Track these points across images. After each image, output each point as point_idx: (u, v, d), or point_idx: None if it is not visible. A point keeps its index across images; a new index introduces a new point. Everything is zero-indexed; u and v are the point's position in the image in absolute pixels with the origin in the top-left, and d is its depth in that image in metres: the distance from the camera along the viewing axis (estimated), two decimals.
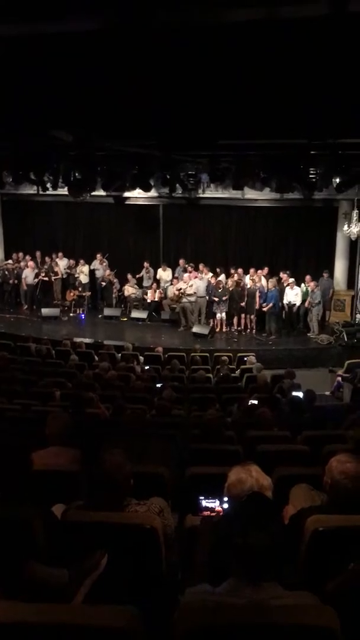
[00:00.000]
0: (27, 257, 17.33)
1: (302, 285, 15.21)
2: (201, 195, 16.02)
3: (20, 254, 17.63)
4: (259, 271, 15.62)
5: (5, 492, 2.72)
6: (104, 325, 16.13)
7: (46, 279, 16.97)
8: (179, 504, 3.63)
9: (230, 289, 15.28)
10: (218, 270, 16.16)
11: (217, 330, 15.33)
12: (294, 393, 8.19)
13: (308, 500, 3.00)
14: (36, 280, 16.86)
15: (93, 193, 13.24)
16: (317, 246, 16.62)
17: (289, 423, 5.97)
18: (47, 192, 14.40)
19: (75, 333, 14.82)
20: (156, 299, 16.48)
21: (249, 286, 15.28)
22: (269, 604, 1.75)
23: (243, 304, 15.12)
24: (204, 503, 2.54)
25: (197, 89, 5.67)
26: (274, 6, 3.94)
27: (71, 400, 6.77)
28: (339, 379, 11.23)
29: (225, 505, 2.49)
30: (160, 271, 16.88)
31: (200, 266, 16.17)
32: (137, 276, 17.02)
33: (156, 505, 2.86)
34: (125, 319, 16.41)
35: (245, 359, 11.90)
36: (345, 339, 14.12)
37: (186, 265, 16.54)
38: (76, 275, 17.00)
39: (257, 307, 15.11)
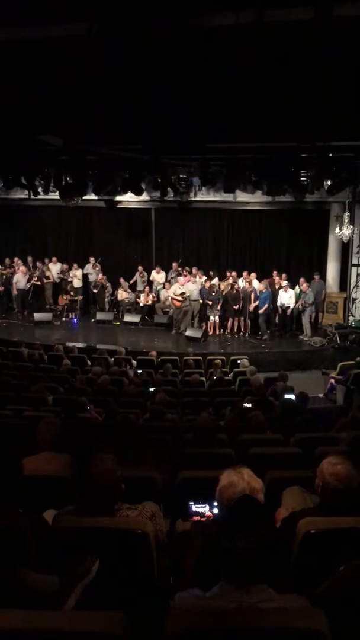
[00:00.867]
0: (19, 262, 17.29)
1: (296, 287, 15.24)
2: (193, 199, 16.07)
3: (15, 259, 17.59)
4: (252, 274, 15.64)
5: None
6: (96, 330, 16.10)
7: (38, 283, 16.94)
8: (171, 509, 3.62)
9: (224, 292, 15.29)
10: (211, 273, 16.18)
11: (210, 333, 15.33)
12: (287, 395, 8.20)
13: (300, 503, 3.00)
14: (28, 285, 16.82)
15: (84, 197, 13.25)
16: (309, 248, 16.67)
17: (282, 426, 5.98)
18: (39, 197, 14.45)
19: (68, 337, 14.79)
20: (149, 303, 16.47)
21: (242, 289, 15.30)
22: (259, 607, 1.74)
23: (237, 307, 15.13)
24: (194, 508, 2.53)
25: (185, 92, 5.69)
26: (261, 10, 3.96)
27: (63, 405, 6.75)
28: (332, 381, 11.25)
29: (215, 510, 2.48)
30: (154, 273, 16.90)
31: (194, 270, 16.19)
32: (131, 281, 17.02)
33: (148, 510, 2.85)
34: (118, 323, 16.40)
35: (239, 362, 11.91)
36: (338, 341, 14.16)
37: (179, 269, 16.56)
38: (69, 280, 16.97)
39: (251, 309, 15.12)
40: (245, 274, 15.73)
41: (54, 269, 17.34)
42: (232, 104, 5.88)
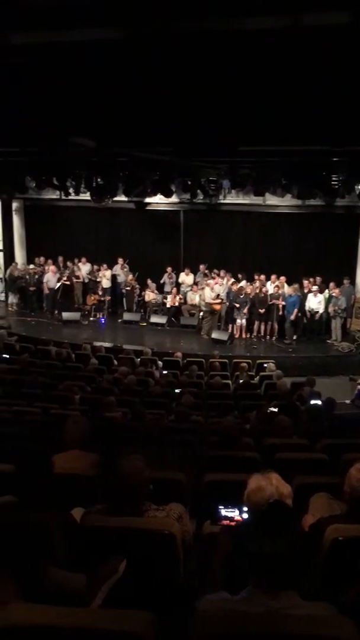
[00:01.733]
0: (49, 262, 17.49)
1: (326, 291, 15.09)
2: (222, 201, 16.03)
3: (42, 259, 17.82)
4: (281, 278, 15.54)
5: (26, 496, 2.74)
6: (123, 330, 16.18)
7: (68, 282, 17.09)
8: (197, 511, 3.62)
9: (251, 295, 15.23)
10: (239, 276, 16.12)
11: (237, 336, 15.28)
12: (314, 401, 8.14)
13: (327, 509, 2.98)
14: (58, 284, 16.99)
15: (114, 198, 13.33)
16: (339, 253, 16.48)
17: (308, 431, 5.93)
18: (70, 198, 14.60)
19: (95, 337, 14.91)
20: (176, 304, 16.50)
21: (270, 292, 15.22)
22: (287, 613, 1.74)
23: (263, 310, 15.04)
24: (224, 512, 2.53)
25: (218, 95, 5.69)
26: (297, 14, 3.94)
27: (90, 405, 6.81)
28: None
29: (245, 515, 2.48)
30: (182, 275, 16.91)
31: (222, 272, 16.16)
32: (161, 281, 17.06)
33: (175, 511, 2.86)
34: (145, 324, 16.46)
35: (265, 365, 11.85)
36: None
37: (207, 271, 16.55)
38: (98, 280, 17.09)
39: (280, 313, 15.02)
40: (273, 277, 15.62)
41: (84, 269, 17.49)
42: (265, 107, 5.87)
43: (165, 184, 11.81)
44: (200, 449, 5.34)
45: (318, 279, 15.35)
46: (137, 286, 17.08)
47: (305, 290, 15.07)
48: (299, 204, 14.96)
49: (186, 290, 16.63)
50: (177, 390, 9.04)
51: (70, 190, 13.60)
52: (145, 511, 2.77)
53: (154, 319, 16.38)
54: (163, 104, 6.03)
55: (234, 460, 4.50)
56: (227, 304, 15.37)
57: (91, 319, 16.89)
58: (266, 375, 10.95)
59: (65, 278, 17.03)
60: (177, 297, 16.52)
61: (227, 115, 6.23)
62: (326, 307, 14.88)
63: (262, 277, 15.75)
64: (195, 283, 16.55)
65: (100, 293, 17.00)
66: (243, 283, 15.70)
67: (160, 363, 12.06)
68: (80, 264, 17.56)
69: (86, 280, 17.43)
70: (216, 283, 15.50)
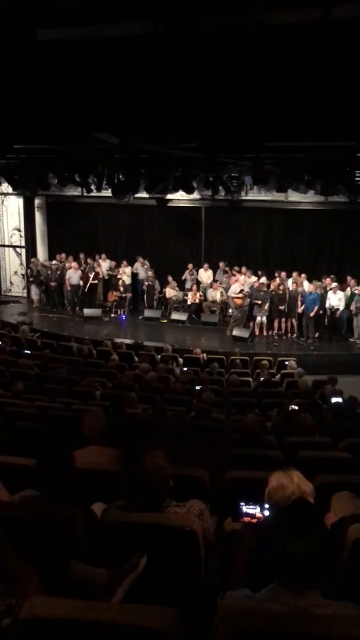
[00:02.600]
0: (70, 258, 17.59)
1: (347, 289, 14.93)
2: (244, 198, 15.96)
3: (64, 255, 17.92)
4: (302, 275, 15.42)
5: (49, 490, 2.76)
6: (144, 327, 16.23)
7: (95, 282, 17.08)
8: (219, 508, 3.61)
9: (272, 292, 15.13)
10: (260, 273, 16.04)
11: (257, 334, 15.21)
12: (335, 399, 8.07)
13: (350, 509, 2.95)
14: (81, 281, 17.05)
15: (136, 195, 13.35)
16: None
17: (331, 430, 5.88)
18: (91, 194, 14.65)
19: (116, 334, 14.98)
20: (196, 301, 16.48)
21: (290, 289, 15.11)
22: (312, 612, 1.72)
23: (283, 307, 14.95)
24: (245, 509, 2.51)
25: (243, 90, 5.65)
26: (326, 6, 3.89)
27: (112, 400, 6.83)
28: None
29: (266, 512, 2.47)
30: (201, 271, 16.88)
31: (243, 269, 16.10)
32: (182, 278, 17.07)
33: (196, 508, 2.86)
34: (165, 321, 16.47)
35: (286, 363, 11.77)
36: None
37: (227, 268, 16.51)
38: (119, 277, 17.15)
39: (299, 311, 14.93)
40: (295, 274, 15.51)
41: (104, 265, 17.55)
42: (291, 102, 5.81)
43: (187, 181, 11.77)
44: (222, 447, 5.32)
45: (334, 276, 15.19)
46: (156, 282, 17.05)
47: (327, 288, 14.92)
48: (322, 201, 14.79)
49: (205, 287, 16.59)
50: (197, 388, 9.03)
51: (92, 187, 13.65)
52: (166, 507, 2.77)
53: (175, 315, 16.38)
54: (188, 100, 6.00)
55: (257, 458, 4.48)
56: (249, 300, 15.29)
57: (112, 315, 16.96)
58: (287, 373, 10.88)
59: (91, 277, 17.05)
60: (198, 294, 16.50)
61: (253, 110, 6.18)
62: (348, 305, 14.72)
63: (283, 274, 15.63)
64: (215, 280, 16.51)
65: (121, 289, 17.06)
66: (263, 279, 15.60)
67: (180, 360, 12.06)
68: (100, 261, 17.63)
69: (106, 277, 17.48)
70: (236, 280, 15.42)
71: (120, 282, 17.06)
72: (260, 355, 12.97)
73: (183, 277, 17.08)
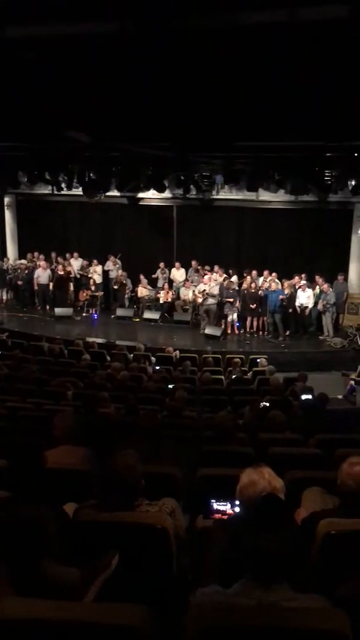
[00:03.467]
0: (40, 257, 17.40)
1: (317, 287, 15.13)
2: (215, 197, 16.02)
3: (35, 254, 17.72)
4: (273, 274, 15.57)
5: (20, 491, 2.74)
6: (116, 326, 16.16)
7: (61, 273, 16.85)
8: (190, 506, 3.63)
9: (245, 291, 15.24)
10: (230, 271, 16.13)
11: (229, 332, 15.30)
12: (305, 396, 8.17)
13: (320, 504, 2.99)
14: (50, 281, 16.88)
15: (107, 193, 13.29)
16: (332, 249, 16.52)
17: (301, 426, 5.95)
18: (62, 192, 14.53)
19: (88, 333, 14.88)
20: (169, 300, 16.49)
21: (262, 288, 15.24)
22: (280, 606, 1.74)
23: (254, 305, 15.08)
24: (215, 506, 2.54)
25: (213, 90, 5.67)
26: (293, 8, 3.93)
27: (83, 400, 6.80)
28: (352, 382, 11.16)
29: (237, 509, 2.49)
30: (173, 270, 16.90)
31: (215, 268, 16.16)
32: (153, 276, 17.04)
33: (168, 506, 2.86)
34: (138, 320, 16.44)
35: (258, 361, 11.87)
36: (359, 343, 14.03)
37: (199, 267, 16.56)
38: (90, 276, 17.04)
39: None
40: (266, 273, 15.65)
41: (75, 264, 17.42)
42: (260, 102, 5.86)
43: (159, 179, 11.77)
44: (194, 444, 5.34)
45: (304, 275, 15.40)
46: (128, 281, 17.01)
47: (297, 287, 15.11)
48: (292, 200, 14.96)
49: (179, 286, 16.62)
50: (170, 386, 9.04)
51: (63, 185, 13.55)
52: (138, 506, 2.77)
53: (147, 314, 16.36)
54: (159, 99, 6.00)
55: (228, 455, 4.50)
56: (220, 299, 15.38)
57: (84, 314, 16.85)
58: (259, 370, 10.97)
59: (59, 269, 16.86)
60: (170, 293, 16.51)
61: (223, 110, 6.21)
62: (316, 303, 14.92)
63: (254, 272, 15.76)
64: (187, 279, 16.55)
65: (92, 289, 16.96)
66: (234, 278, 15.70)
67: (153, 359, 12.05)
68: (71, 260, 17.49)
69: (77, 276, 17.36)
70: (206, 282, 15.48)
71: (91, 281, 16.96)
72: (232, 353, 13.05)
73: (155, 276, 17.06)
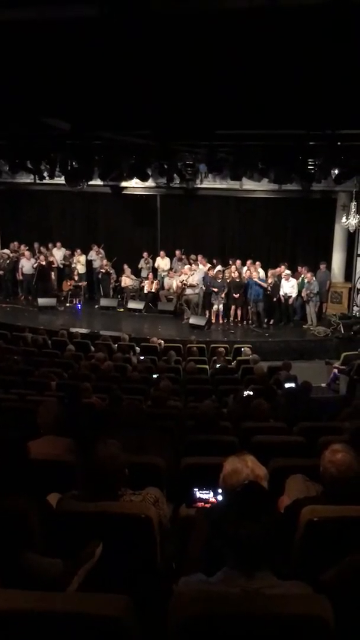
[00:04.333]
0: (23, 247, 17.23)
1: (301, 277, 15.19)
2: (199, 186, 15.96)
3: (16, 244, 17.54)
4: (257, 263, 15.59)
5: (1, 482, 2.71)
6: (100, 316, 16.11)
7: (43, 263, 16.71)
8: (174, 495, 3.63)
9: (228, 280, 15.26)
10: (215, 261, 16.12)
11: (214, 321, 15.32)
12: (288, 384, 8.22)
13: (303, 491, 3.00)
14: (34, 267, 16.72)
15: (90, 182, 13.18)
16: (315, 238, 16.58)
17: (285, 414, 5.99)
18: (44, 181, 14.37)
19: (72, 323, 14.80)
20: (153, 290, 16.45)
21: (245, 277, 15.26)
22: (262, 593, 1.75)
23: (238, 295, 15.11)
24: (198, 494, 2.54)
25: (195, 77, 5.62)
26: None
27: (67, 391, 6.77)
28: (335, 371, 11.25)
29: (220, 497, 2.49)
30: (158, 259, 16.84)
31: (199, 257, 16.13)
32: (139, 267, 16.97)
33: (151, 495, 2.86)
34: (122, 310, 16.39)
35: (242, 350, 11.91)
36: (342, 331, 14.14)
37: (183, 257, 16.52)
38: (73, 266, 16.93)
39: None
40: (249, 262, 15.67)
41: (58, 254, 17.29)
42: (242, 90, 5.81)
43: (142, 168, 11.68)
44: (178, 434, 5.35)
45: (287, 264, 15.46)
46: (112, 271, 16.94)
47: (280, 276, 15.16)
48: (276, 189, 14.94)
49: (163, 275, 16.57)
50: (155, 376, 9.04)
51: (45, 174, 13.39)
52: (121, 496, 2.77)
53: (131, 304, 16.32)
54: (140, 86, 5.93)
55: (212, 444, 4.52)
56: (204, 289, 15.38)
57: (67, 305, 16.76)
58: (243, 359, 11.01)
59: (41, 259, 16.72)
60: (154, 283, 16.47)
61: (205, 98, 6.16)
62: (300, 292, 14.99)
63: (238, 262, 15.78)
64: (171, 269, 16.51)
65: (76, 279, 16.85)
66: (219, 268, 15.70)
67: (137, 349, 12.04)
68: (54, 250, 17.35)
69: (61, 266, 17.23)
70: (186, 272, 15.46)
71: (75, 271, 16.85)
72: (217, 342, 13.08)
73: (139, 266, 17.00)
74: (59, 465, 3.65)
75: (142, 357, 11.16)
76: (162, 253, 16.89)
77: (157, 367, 10.04)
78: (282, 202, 16.26)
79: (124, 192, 16.86)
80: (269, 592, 1.77)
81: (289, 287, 14.94)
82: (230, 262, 15.92)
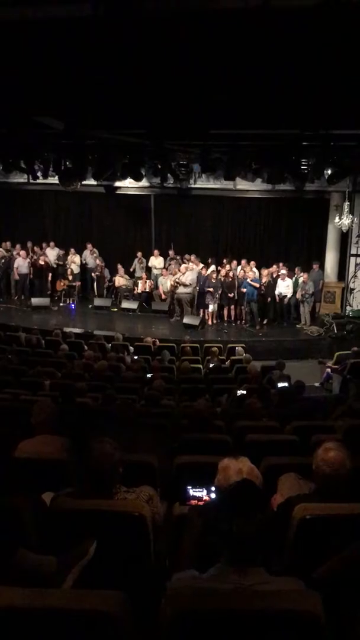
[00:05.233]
0: (17, 247, 17.18)
1: (295, 276, 15.24)
2: (193, 186, 15.95)
3: (8, 244, 17.47)
4: (251, 262, 15.62)
5: None
6: (94, 316, 16.09)
7: (42, 263, 16.68)
8: (168, 493, 3.64)
9: (222, 280, 15.28)
10: (209, 260, 16.14)
11: (208, 321, 15.34)
12: (281, 384, 8.24)
13: (296, 489, 3.03)
14: (30, 268, 16.68)
15: (84, 182, 13.16)
16: (308, 238, 16.63)
17: (278, 413, 6.01)
18: (38, 181, 14.33)
19: (65, 323, 14.79)
20: (147, 290, 16.45)
21: (239, 277, 15.29)
22: (255, 589, 1.77)
23: (232, 294, 15.13)
24: (192, 492, 2.55)
25: (189, 77, 5.63)
26: None
27: (61, 390, 6.77)
28: (328, 370, 11.30)
29: (213, 495, 2.51)
30: (152, 258, 16.82)
31: (192, 257, 16.15)
32: (132, 268, 16.96)
33: (145, 493, 2.88)
34: (116, 310, 16.38)
35: (236, 349, 11.94)
36: (335, 331, 14.19)
37: (177, 257, 16.52)
38: (67, 266, 16.90)
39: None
40: (244, 262, 15.70)
41: (52, 253, 17.25)
42: (236, 90, 5.83)
43: (136, 168, 11.68)
44: (172, 432, 5.36)
45: (282, 264, 15.49)
46: (106, 270, 16.91)
47: (274, 275, 15.21)
48: (269, 189, 14.97)
49: (157, 274, 16.57)
50: (148, 375, 9.05)
51: (38, 174, 13.36)
52: (116, 494, 2.78)
53: (125, 304, 16.31)
54: (134, 85, 5.94)
55: (206, 442, 4.53)
56: (197, 288, 15.38)
57: (61, 304, 16.72)
58: (237, 359, 11.03)
59: (39, 259, 16.67)
60: (148, 283, 16.47)
61: (199, 98, 6.17)
62: (295, 292, 15.03)
63: (234, 262, 15.80)
64: (165, 268, 16.52)
65: (69, 278, 16.82)
66: (213, 268, 15.72)
67: (131, 348, 12.04)
68: (48, 249, 17.32)
69: (54, 266, 17.21)
70: (178, 272, 15.47)
71: (68, 271, 16.82)
72: (210, 342, 13.09)
73: (132, 267, 16.99)
74: (53, 464, 3.65)
75: (135, 357, 11.16)
76: (155, 252, 16.88)
77: (150, 366, 10.06)
78: (275, 202, 16.31)
79: (118, 191, 16.84)
80: (262, 589, 1.78)
81: (284, 287, 15.00)
82: (225, 261, 15.94)
